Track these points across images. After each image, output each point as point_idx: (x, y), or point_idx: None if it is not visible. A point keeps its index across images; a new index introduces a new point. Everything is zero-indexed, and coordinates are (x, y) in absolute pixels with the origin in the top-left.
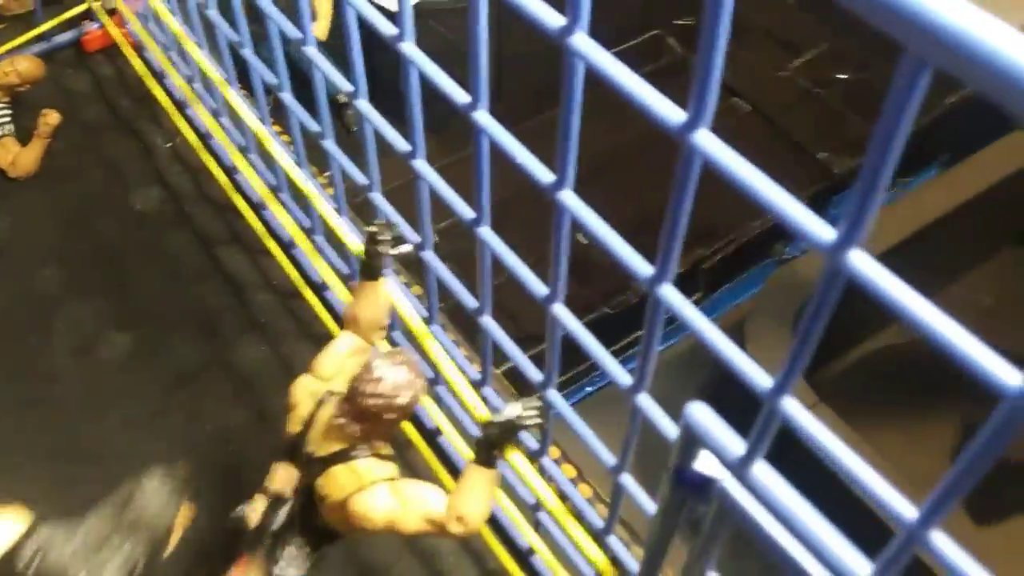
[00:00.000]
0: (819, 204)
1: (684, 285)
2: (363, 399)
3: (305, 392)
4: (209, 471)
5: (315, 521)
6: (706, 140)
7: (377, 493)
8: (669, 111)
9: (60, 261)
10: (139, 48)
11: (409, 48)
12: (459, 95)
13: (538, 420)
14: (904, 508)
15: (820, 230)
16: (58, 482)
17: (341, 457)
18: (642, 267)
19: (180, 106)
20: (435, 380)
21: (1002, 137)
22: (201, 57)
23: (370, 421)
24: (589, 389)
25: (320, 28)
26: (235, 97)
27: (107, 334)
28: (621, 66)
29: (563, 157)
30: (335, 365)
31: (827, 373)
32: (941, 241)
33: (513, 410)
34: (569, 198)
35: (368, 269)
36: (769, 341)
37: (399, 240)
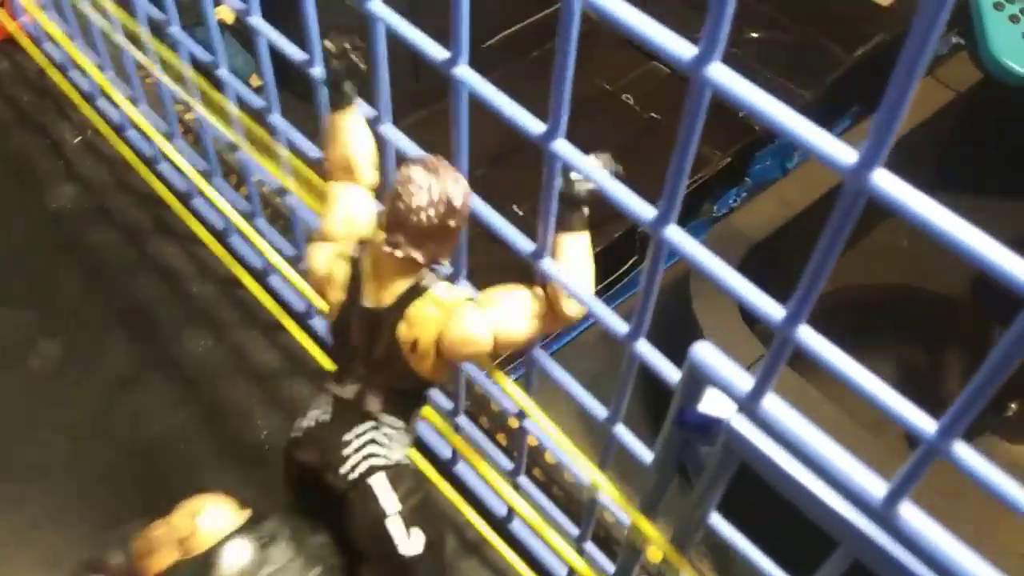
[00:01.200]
0: (743, 160)
1: (621, 250)
2: (417, 215)
3: (329, 257)
4: (163, 473)
5: (402, 385)
6: (720, 72)
7: (470, 311)
8: (680, 46)
9: None
10: (37, 40)
11: (376, 6)
12: (436, 51)
13: (614, 171)
14: (924, 421)
15: (841, 152)
16: (2, 502)
17: (414, 293)
18: (645, 210)
19: (89, 98)
20: None
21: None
22: (121, 42)
23: (433, 238)
24: (555, 346)
25: (226, 11)
26: (161, 81)
27: (35, 343)
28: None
29: (557, 105)
30: (344, 219)
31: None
32: None
33: (595, 162)
34: (563, 147)
35: (337, 97)
36: (714, 295)
37: (361, 48)
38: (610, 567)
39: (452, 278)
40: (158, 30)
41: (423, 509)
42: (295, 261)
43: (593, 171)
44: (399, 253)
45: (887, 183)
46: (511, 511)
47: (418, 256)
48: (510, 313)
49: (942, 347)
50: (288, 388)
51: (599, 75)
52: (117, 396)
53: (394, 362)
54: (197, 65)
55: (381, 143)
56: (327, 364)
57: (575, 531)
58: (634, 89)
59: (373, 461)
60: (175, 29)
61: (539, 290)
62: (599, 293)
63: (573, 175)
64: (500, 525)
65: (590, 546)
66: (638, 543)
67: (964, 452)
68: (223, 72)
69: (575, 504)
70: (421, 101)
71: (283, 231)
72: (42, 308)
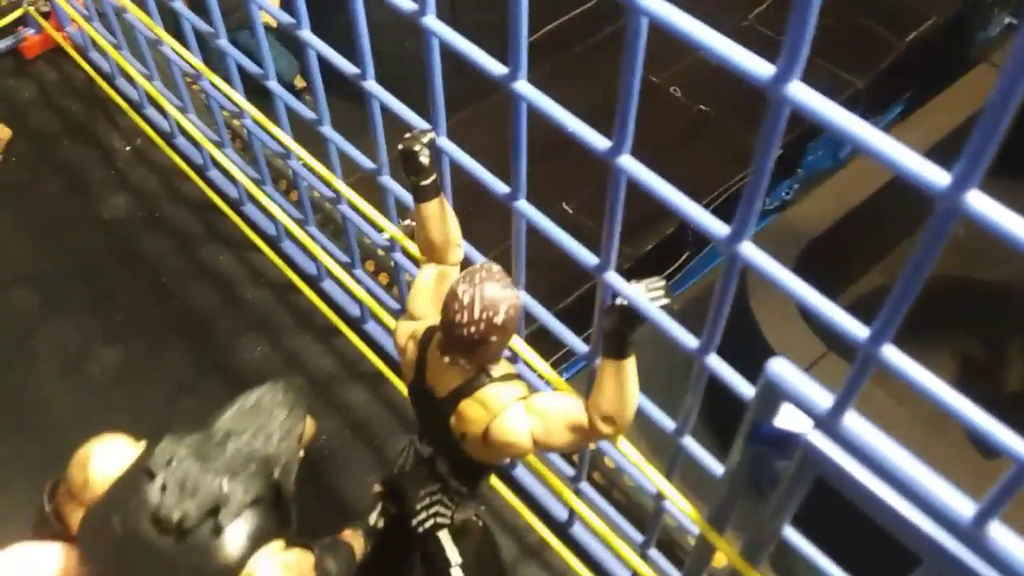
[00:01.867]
0: (795, 152)
1: (674, 244)
2: (459, 330)
3: (405, 336)
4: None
5: (462, 458)
6: (799, 91)
7: (513, 416)
8: (758, 65)
9: (32, 281)
10: (83, 50)
11: (431, 22)
12: (495, 67)
13: (666, 299)
14: (1017, 443)
15: (936, 176)
16: None
17: (464, 392)
18: (719, 228)
19: (137, 106)
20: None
21: (967, 72)
22: (175, 51)
23: (476, 350)
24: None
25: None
26: (210, 90)
27: (94, 350)
28: (691, 19)
29: (623, 121)
30: (427, 300)
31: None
32: None
33: (636, 290)
34: (629, 163)
35: (418, 190)
36: (770, 291)
37: (433, 142)
38: (675, 572)
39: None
40: (204, 41)
41: (486, 563)
42: (349, 267)
43: (641, 301)
44: (447, 359)
45: (980, 203)
46: (572, 515)
47: (465, 364)
48: (554, 424)
49: (1000, 338)
50: (344, 392)
51: (644, 67)
52: (176, 402)
53: (452, 444)
54: (244, 74)
55: (436, 153)
56: (382, 367)
57: (638, 537)
58: (681, 81)
59: (439, 520)
60: (223, 42)
61: (591, 403)
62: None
63: (616, 304)
64: (561, 529)
65: (654, 552)
66: (707, 554)
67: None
68: (272, 84)
69: (635, 508)
70: (465, 98)
71: (333, 236)
72: (100, 316)
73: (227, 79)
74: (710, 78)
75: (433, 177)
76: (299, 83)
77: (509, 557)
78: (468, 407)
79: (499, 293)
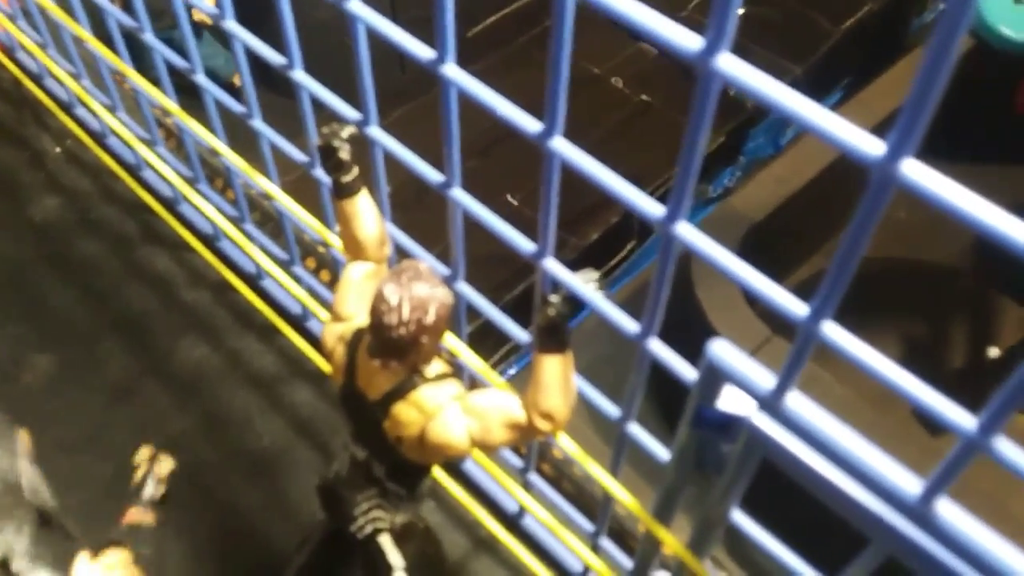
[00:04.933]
0: (737, 139)
1: (619, 234)
2: (388, 333)
3: (334, 338)
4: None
5: (398, 461)
6: (728, 63)
7: (449, 417)
8: (687, 38)
9: None
10: (8, 50)
11: (356, 6)
12: (422, 50)
13: (600, 289)
14: (963, 418)
15: (869, 144)
16: None
17: (397, 395)
18: (654, 208)
19: (67, 107)
20: None
21: (903, 57)
22: (99, 50)
23: (407, 351)
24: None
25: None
26: (139, 87)
27: (28, 358)
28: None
29: (553, 102)
30: (354, 300)
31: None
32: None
33: (572, 279)
34: (561, 144)
35: (340, 187)
36: (715, 277)
37: (354, 137)
38: (627, 562)
39: (450, 280)
40: (131, 37)
41: (431, 564)
42: (287, 264)
43: (581, 288)
44: (377, 363)
45: (916, 172)
46: (523, 508)
47: (397, 366)
48: (491, 423)
49: (943, 317)
50: (287, 393)
51: (586, 58)
52: (114, 408)
53: (387, 447)
54: (174, 70)
55: (369, 146)
56: (325, 367)
57: (590, 527)
58: (623, 71)
59: (378, 524)
60: (148, 36)
61: (528, 399)
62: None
63: (552, 298)
64: (512, 522)
65: (605, 541)
66: (654, 545)
67: (1005, 448)
68: (200, 78)
69: (586, 497)
70: (408, 94)
71: (273, 235)
72: (33, 322)
73: (158, 75)
74: (652, 69)
75: (355, 172)
76: (238, 81)
77: (459, 553)
78: (402, 410)
79: (428, 292)
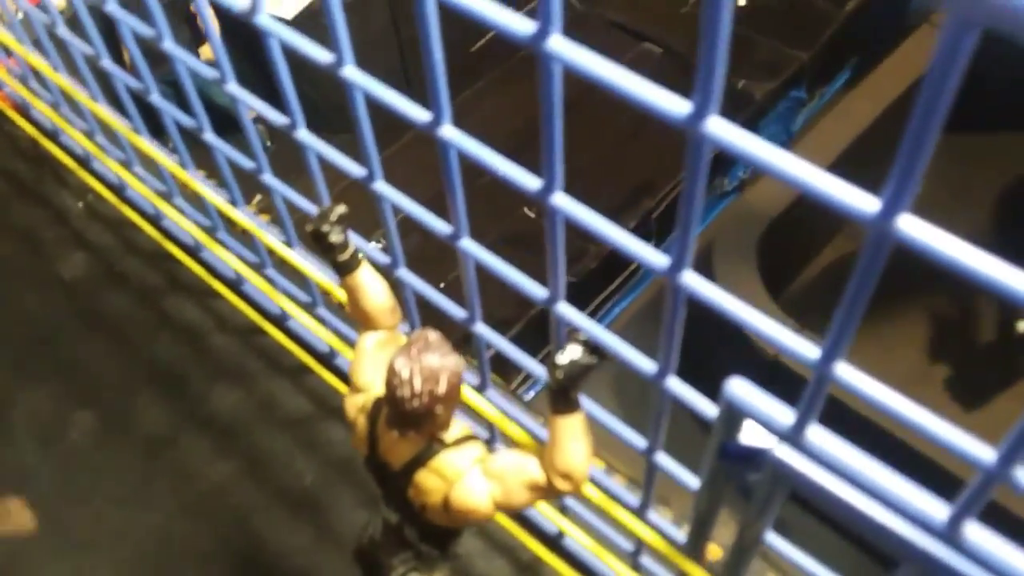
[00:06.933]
0: (748, 130)
1: (638, 235)
2: (403, 406)
3: (355, 409)
4: (214, 528)
5: (428, 525)
6: (718, 127)
7: (471, 482)
8: (673, 104)
9: None
10: (23, 109)
11: (351, 72)
12: (417, 113)
13: (600, 354)
14: (982, 451)
15: (865, 203)
16: None
17: (418, 463)
18: (658, 260)
19: (83, 161)
20: None
21: (910, 34)
22: (101, 110)
23: (423, 422)
24: None
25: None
26: (150, 146)
27: (70, 415)
28: (603, 62)
29: (550, 160)
30: (370, 370)
31: (794, 292)
32: (875, 146)
33: (574, 351)
34: (562, 200)
35: (338, 266)
36: (737, 274)
37: (344, 217)
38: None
39: (467, 323)
40: (140, 99)
41: None
42: (310, 307)
43: (574, 358)
44: (395, 434)
45: (913, 229)
46: (561, 531)
47: (414, 435)
48: (512, 485)
49: (970, 293)
50: (324, 430)
51: None
52: (157, 458)
53: (414, 513)
54: (183, 128)
55: (377, 200)
56: None
57: (629, 547)
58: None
59: None
60: (155, 97)
61: (547, 461)
62: (618, 284)
63: (558, 358)
64: (554, 543)
65: (646, 560)
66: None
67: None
68: (209, 136)
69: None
70: (401, 128)
71: (294, 277)
72: (71, 380)
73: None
74: (657, 67)
75: (351, 249)
76: (251, 113)
77: None
78: (424, 478)
79: (438, 363)
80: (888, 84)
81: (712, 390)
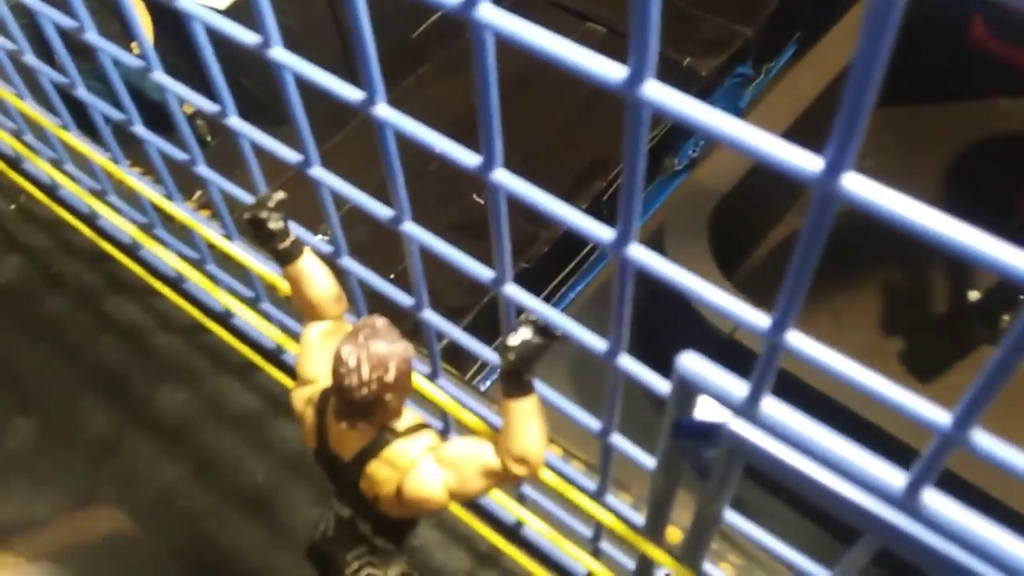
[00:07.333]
0: None
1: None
2: (351, 394)
3: (302, 402)
4: (165, 532)
5: (381, 518)
6: (656, 91)
7: (424, 471)
8: (610, 69)
9: None
10: None
11: (279, 53)
12: (352, 93)
13: (551, 334)
14: (938, 414)
15: (808, 162)
16: None
17: (369, 454)
18: (604, 232)
19: (13, 163)
20: None
21: (853, 5)
22: (28, 108)
23: (372, 411)
24: None
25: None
26: (81, 143)
27: (9, 423)
28: (537, 30)
29: (488, 135)
30: (316, 361)
31: (746, 271)
32: (821, 119)
33: (525, 333)
34: (503, 176)
35: (279, 255)
36: (689, 254)
37: (283, 203)
38: (629, 562)
39: (414, 310)
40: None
41: None
42: (255, 302)
43: (525, 339)
44: (344, 425)
45: (857, 186)
46: (519, 521)
47: (364, 425)
48: (467, 473)
49: (922, 264)
50: (274, 427)
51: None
52: (102, 462)
53: (367, 505)
54: (115, 123)
55: (313, 184)
56: None
57: (588, 533)
58: None
59: None
60: (81, 91)
61: (501, 446)
62: (571, 269)
63: (510, 341)
64: (512, 533)
65: (606, 545)
66: (648, 566)
67: (982, 440)
68: (139, 129)
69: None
70: (345, 117)
71: (236, 272)
72: (10, 386)
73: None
74: (603, 47)
75: (291, 238)
76: (187, 109)
77: (464, 568)
78: (376, 469)
79: (386, 349)
80: (833, 56)
81: (668, 373)
